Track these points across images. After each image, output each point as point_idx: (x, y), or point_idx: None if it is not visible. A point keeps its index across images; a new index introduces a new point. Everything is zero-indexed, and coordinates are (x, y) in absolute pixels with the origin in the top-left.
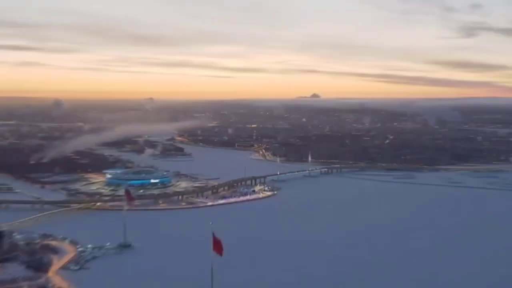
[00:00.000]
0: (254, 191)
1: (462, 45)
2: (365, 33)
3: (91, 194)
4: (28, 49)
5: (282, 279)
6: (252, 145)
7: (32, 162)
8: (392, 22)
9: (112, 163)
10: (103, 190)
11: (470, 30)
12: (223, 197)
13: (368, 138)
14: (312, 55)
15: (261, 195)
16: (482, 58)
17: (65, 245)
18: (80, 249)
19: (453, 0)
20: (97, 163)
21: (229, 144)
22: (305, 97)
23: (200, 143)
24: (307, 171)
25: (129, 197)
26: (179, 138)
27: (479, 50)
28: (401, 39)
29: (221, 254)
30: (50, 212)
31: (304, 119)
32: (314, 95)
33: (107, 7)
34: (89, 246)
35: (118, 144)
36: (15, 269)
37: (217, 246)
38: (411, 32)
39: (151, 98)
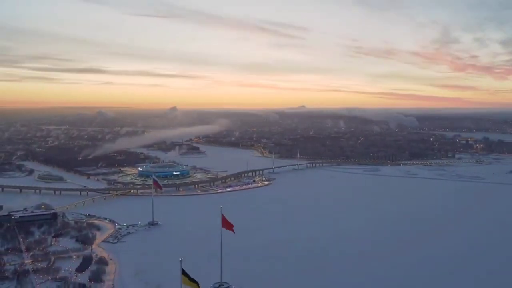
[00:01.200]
0: (254, 181)
1: (452, 76)
2: (394, 68)
3: (126, 183)
4: (161, 76)
5: (274, 246)
6: (253, 145)
7: (79, 158)
8: (418, 62)
9: (142, 159)
10: (135, 180)
11: (462, 68)
12: (230, 186)
13: (344, 139)
14: (352, 79)
15: (260, 184)
16: (461, 83)
17: (106, 223)
18: (117, 226)
19: (462, 53)
20: (131, 159)
21: (235, 144)
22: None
23: (212, 143)
24: (296, 166)
25: (156, 185)
26: (195, 139)
27: (462, 78)
28: (413, 73)
29: (233, 231)
30: (94, 197)
31: (294, 124)
32: (302, 106)
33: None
34: (125, 224)
35: (148, 144)
36: (66, 242)
37: (226, 224)
38: (425, 70)
39: (174, 107)
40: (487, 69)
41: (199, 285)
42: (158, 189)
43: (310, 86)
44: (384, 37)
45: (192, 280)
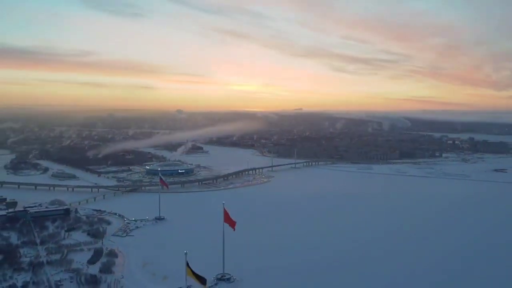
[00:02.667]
0: (254, 178)
1: (462, 88)
2: (428, 83)
3: (134, 181)
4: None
5: (274, 239)
6: (253, 145)
7: (90, 157)
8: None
9: (150, 158)
10: (143, 178)
11: (475, 83)
12: (232, 183)
13: (338, 140)
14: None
15: (259, 181)
16: (467, 92)
17: (115, 218)
18: (126, 221)
19: (480, 75)
20: (139, 158)
21: (236, 144)
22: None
23: (214, 143)
24: (293, 164)
25: (163, 183)
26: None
27: (470, 89)
28: (437, 86)
29: (233, 229)
30: (104, 194)
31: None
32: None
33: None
34: (133, 219)
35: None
36: (78, 236)
37: (228, 219)
38: (447, 84)
39: (180, 110)
40: (493, 83)
41: (200, 279)
42: (165, 187)
43: (351, 94)
44: (436, 66)
45: (195, 274)
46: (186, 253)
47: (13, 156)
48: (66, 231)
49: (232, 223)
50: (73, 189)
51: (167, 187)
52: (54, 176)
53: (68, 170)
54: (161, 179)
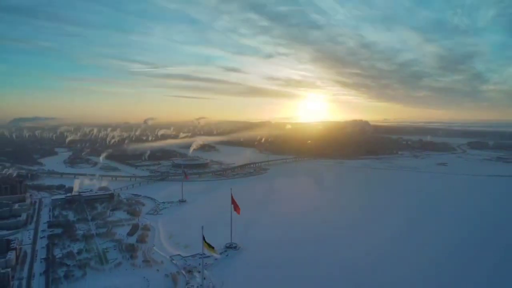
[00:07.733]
0: (254, 170)
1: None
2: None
3: (163, 172)
4: None
5: (273, 216)
6: (254, 144)
7: (129, 153)
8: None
9: (174, 155)
10: (170, 170)
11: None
12: (237, 174)
13: (319, 141)
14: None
15: (258, 172)
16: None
17: (148, 201)
18: (157, 203)
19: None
20: (166, 155)
21: (240, 144)
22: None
23: (224, 143)
24: (285, 160)
25: (185, 174)
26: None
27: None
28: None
29: (238, 213)
30: (140, 182)
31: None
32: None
33: None
34: (162, 201)
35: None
36: (120, 214)
37: (234, 202)
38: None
39: (202, 117)
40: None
41: (214, 249)
42: (185, 178)
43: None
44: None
45: (209, 244)
46: (202, 227)
47: (70, 153)
48: (110, 210)
49: (236, 206)
50: (116, 178)
51: (187, 178)
52: (102, 168)
53: (112, 163)
54: (183, 171)
